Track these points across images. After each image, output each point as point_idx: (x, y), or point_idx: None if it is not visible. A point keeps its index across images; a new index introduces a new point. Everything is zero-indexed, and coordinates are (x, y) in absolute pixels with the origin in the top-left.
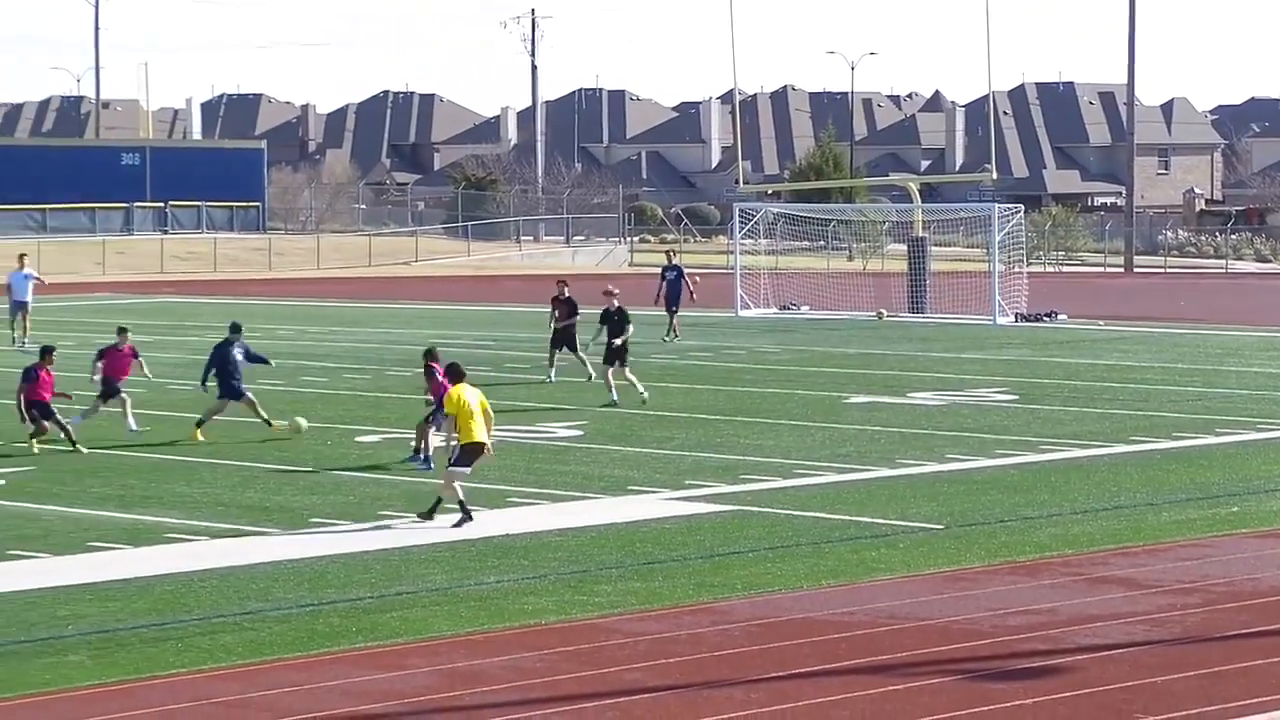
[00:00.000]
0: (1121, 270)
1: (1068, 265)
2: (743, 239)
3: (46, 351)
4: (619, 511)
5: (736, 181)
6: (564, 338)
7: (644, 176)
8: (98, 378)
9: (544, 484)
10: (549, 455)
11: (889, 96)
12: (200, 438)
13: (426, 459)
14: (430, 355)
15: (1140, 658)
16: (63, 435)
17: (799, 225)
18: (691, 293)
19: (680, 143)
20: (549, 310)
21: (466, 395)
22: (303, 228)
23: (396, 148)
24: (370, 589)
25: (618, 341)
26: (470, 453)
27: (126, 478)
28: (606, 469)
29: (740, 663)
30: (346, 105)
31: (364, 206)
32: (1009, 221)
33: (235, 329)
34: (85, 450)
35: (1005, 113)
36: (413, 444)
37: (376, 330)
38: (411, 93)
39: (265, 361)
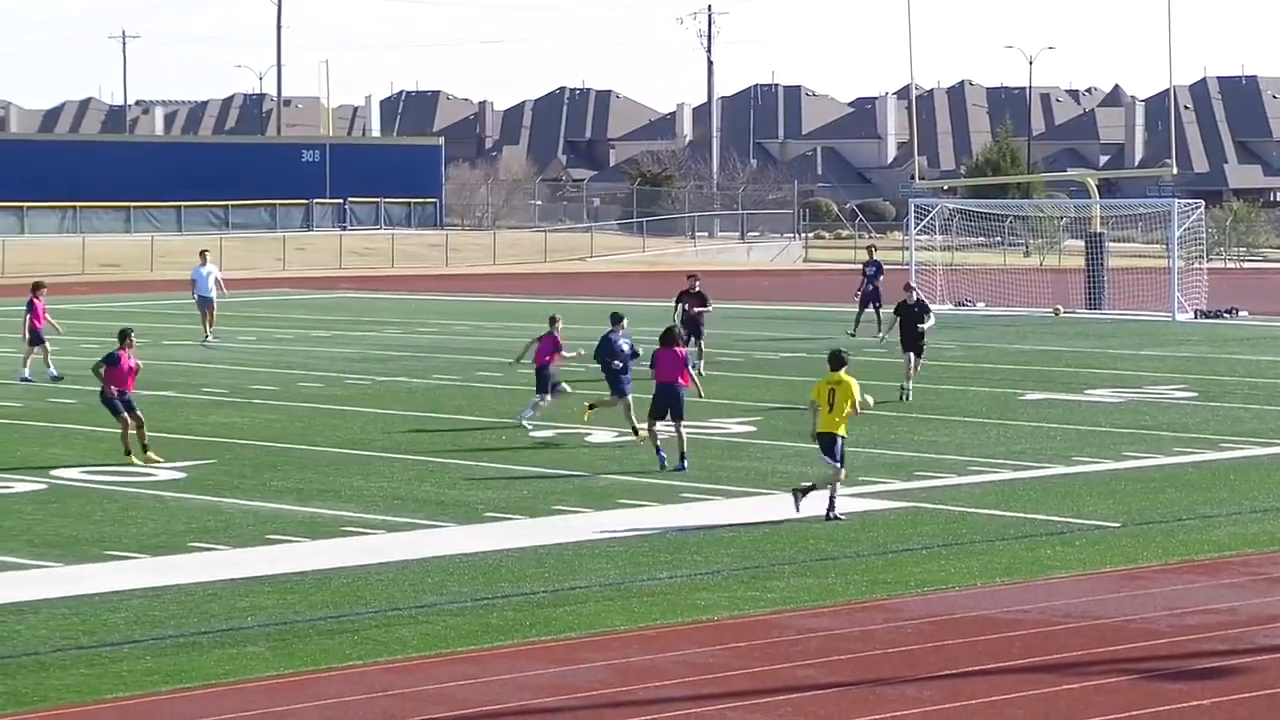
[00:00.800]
0: None
1: (1249, 261)
2: (918, 235)
3: (125, 335)
4: (791, 508)
5: (912, 177)
6: (694, 328)
7: (819, 172)
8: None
9: (717, 479)
10: (722, 451)
11: (1067, 91)
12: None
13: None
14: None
15: None
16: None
17: (975, 221)
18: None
19: (856, 138)
20: (675, 303)
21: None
22: (479, 224)
23: (572, 144)
24: (543, 583)
25: (923, 326)
26: (821, 441)
27: (305, 471)
28: (779, 464)
29: (912, 660)
30: (523, 102)
31: (540, 203)
32: (1189, 217)
33: (616, 319)
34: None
35: (1186, 107)
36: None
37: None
38: (588, 89)
39: (636, 355)
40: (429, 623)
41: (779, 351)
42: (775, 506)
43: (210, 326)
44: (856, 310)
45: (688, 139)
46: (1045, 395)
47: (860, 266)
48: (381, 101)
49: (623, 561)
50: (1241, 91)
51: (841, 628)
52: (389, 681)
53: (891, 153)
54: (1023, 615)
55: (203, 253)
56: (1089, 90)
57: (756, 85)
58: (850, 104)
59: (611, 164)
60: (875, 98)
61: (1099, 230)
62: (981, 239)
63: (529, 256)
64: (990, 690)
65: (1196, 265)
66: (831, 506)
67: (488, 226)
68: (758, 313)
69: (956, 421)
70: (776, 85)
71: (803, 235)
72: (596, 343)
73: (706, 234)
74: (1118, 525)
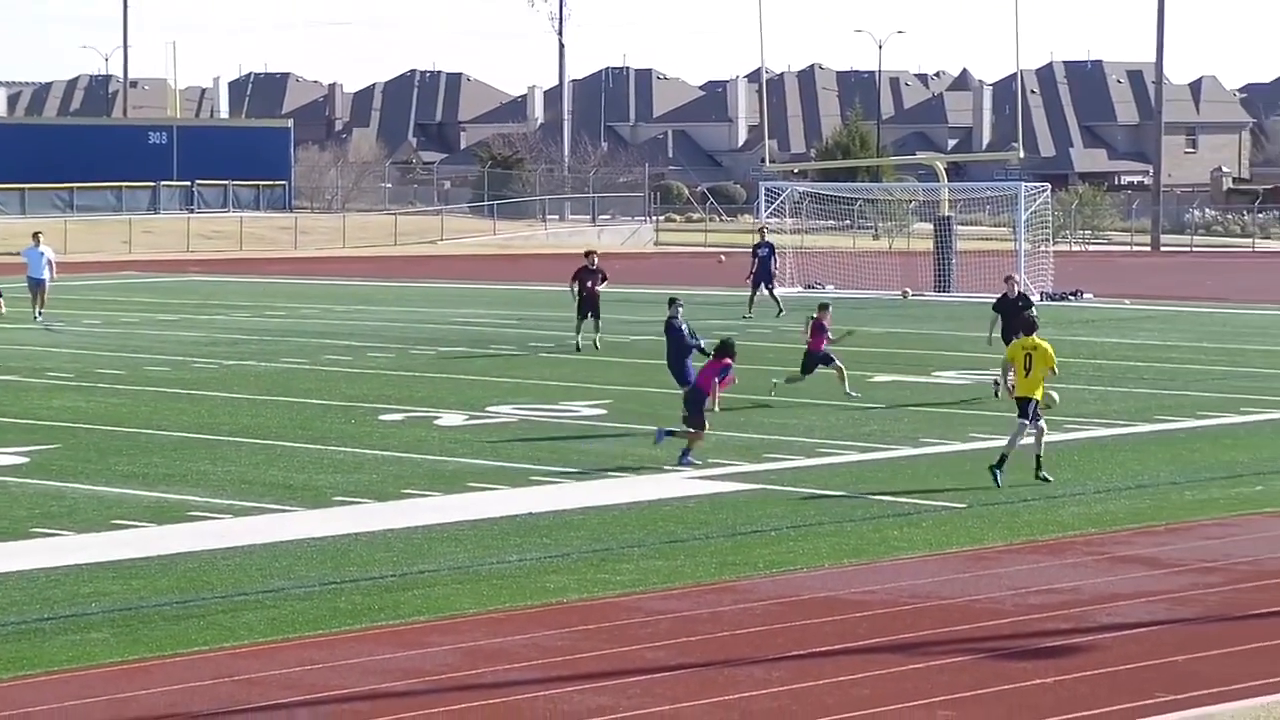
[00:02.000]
0: (1148, 249)
1: (1094, 244)
2: (769, 218)
3: None
4: (642, 490)
5: (762, 160)
6: (591, 305)
7: (670, 156)
8: None
9: (567, 462)
10: (572, 433)
11: (916, 75)
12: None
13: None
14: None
15: (1162, 637)
16: None
17: (825, 204)
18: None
19: (706, 122)
20: (572, 281)
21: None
22: (328, 206)
23: (423, 127)
24: (392, 567)
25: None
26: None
27: (151, 456)
28: (629, 447)
29: (761, 641)
30: (373, 84)
31: (390, 185)
32: (1035, 200)
33: (672, 302)
34: None
35: (1033, 91)
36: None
37: (402, 309)
38: (439, 72)
39: (699, 348)
40: (276, 607)
41: (629, 335)
42: (625, 489)
43: (40, 308)
44: (750, 292)
45: (539, 122)
46: (893, 377)
47: (751, 248)
48: (230, 83)
49: (471, 545)
50: (1087, 76)
51: (690, 609)
52: (235, 667)
53: (742, 136)
54: (870, 596)
55: (35, 234)
56: (938, 74)
57: (608, 68)
58: (701, 87)
59: (462, 147)
60: (726, 81)
61: (947, 213)
62: (831, 222)
63: (379, 239)
64: (838, 670)
65: (1043, 248)
66: (1039, 466)
67: (337, 209)
68: (609, 295)
69: (805, 404)
70: (628, 69)
71: (654, 218)
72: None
73: (557, 217)
74: (964, 506)
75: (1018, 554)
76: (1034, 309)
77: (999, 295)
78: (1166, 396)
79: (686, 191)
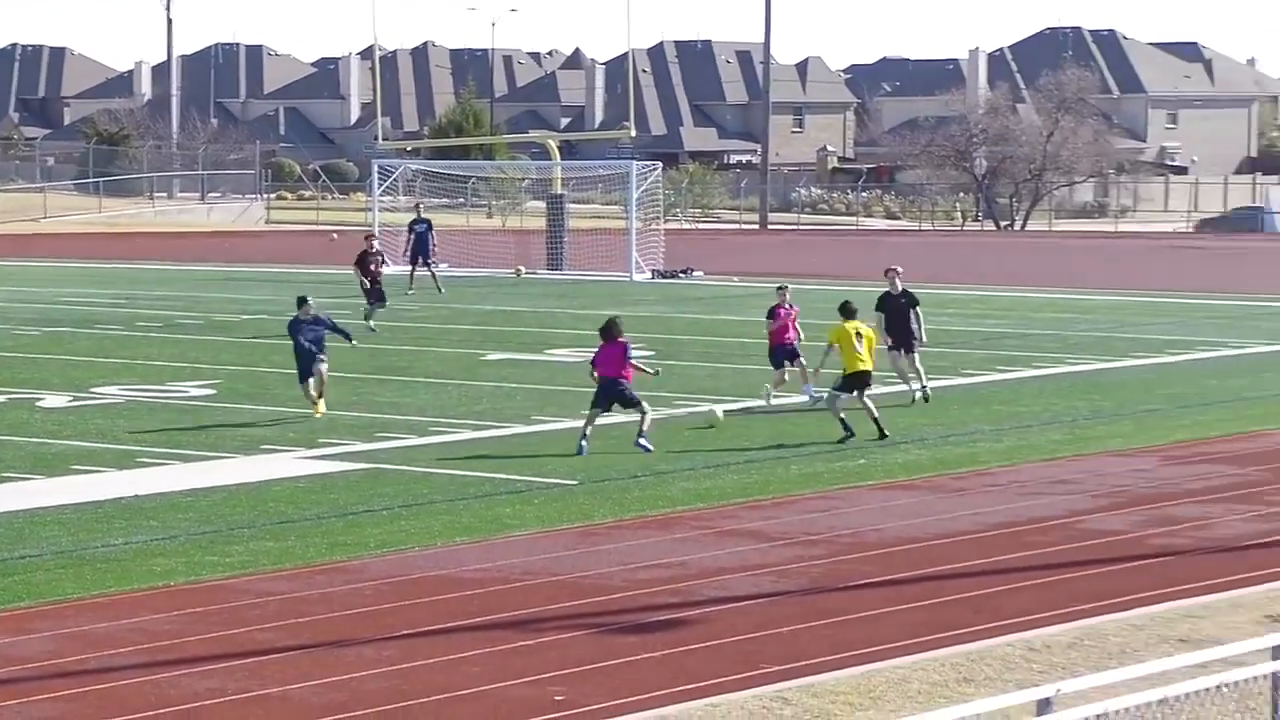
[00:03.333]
0: (756, 227)
1: (704, 222)
2: (382, 196)
3: None
4: (252, 471)
5: (376, 138)
6: (375, 293)
7: (282, 133)
8: None
9: (175, 444)
10: (180, 414)
11: (529, 54)
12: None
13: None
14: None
15: (767, 609)
16: None
17: (439, 182)
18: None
19: (319, 99)
20: (354, 270)
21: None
22: None
23: (25, 102)
24: None
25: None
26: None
27: None
28: (239, 428)
29: (372, 621)
30: None
31: None
32: (646, 179)
33: (302, 302)
34: None
35: (644, 71)
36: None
37: (3, 288)
38: (41, 45)
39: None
40: None
41: (240, 314)
42: (234, 470)
43: None
44: (409, 269)
45: (146, 98)
46: (507, 355)
47: (408, 225)
48: None
49: (75, 528)
50: (697, 56)
51: (301, 590)
52: None
53: (355, 113)
54: (482, 573)
55: None
56: (550, 53)
57: (218, 44)
58: (313, 64)
59: (66, 123)
60: (338, 58)
61: (560, 191)
62: (445, 200)
63: None
64: (449, 648)
65: (654, 226)
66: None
67: None
68: (218, 274)
69: (419, 383)
70: (238, 44)
71: (265, 196)
72: None
73: (166, 194)
74: (575, 483)
75: (628, 530)
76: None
77: (883, 292)
78: (772, 373)
79: (298, 169)
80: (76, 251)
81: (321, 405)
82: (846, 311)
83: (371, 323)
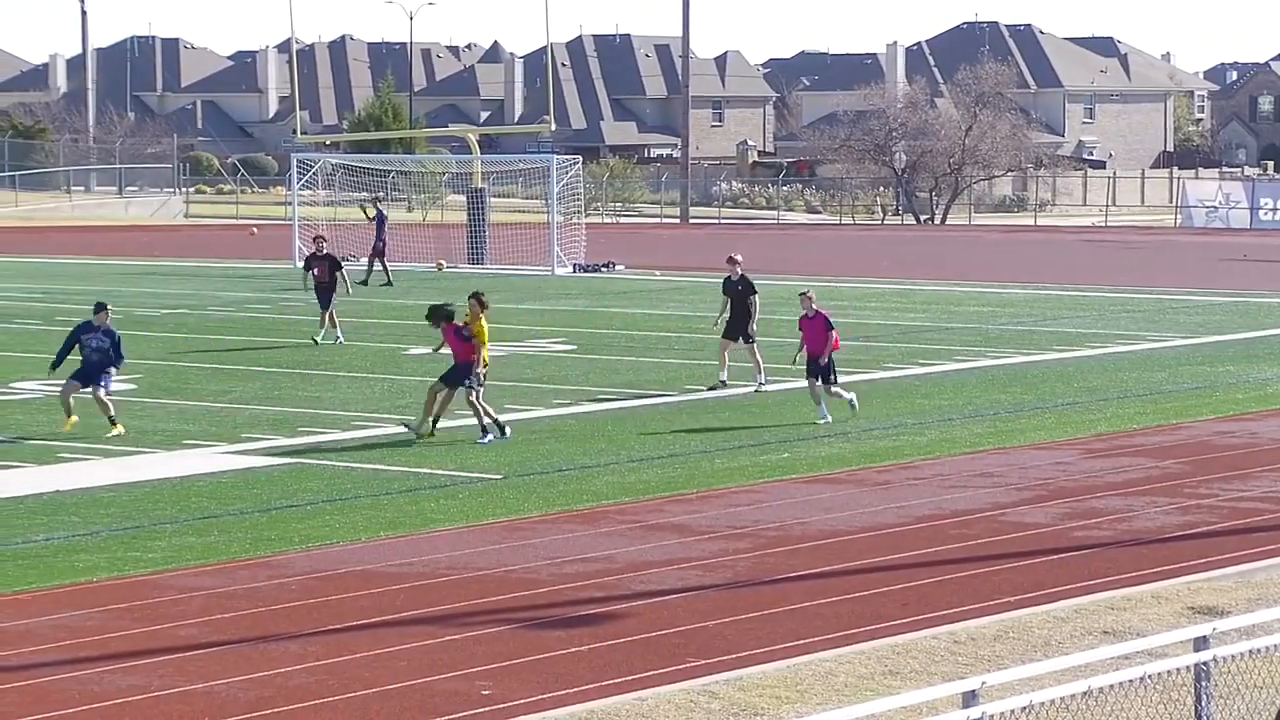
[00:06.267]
0: (677, 221)
1: (625, 216)
2: (301, 190)
3: None
4: (174, 466)
5: (294, 132)
6: (325, 293)
7: (200, 126)
8: None
9: (96, 439)
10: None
11: (448, 47)
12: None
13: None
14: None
15: (693, 603)
16: None
17: (358, 176)
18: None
19: (237, 92)
20: (304, 269)
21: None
22: None
23: None
24: None
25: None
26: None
27: None
28: (161, 423)
29: (297, 616)
30: None
31: None
32: (567, 173)
33: (100, 308)
34: None
35: (563, 64)
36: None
37: None
38: None
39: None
40: None
41: (159, 308)
42: (156, 465)
43: None
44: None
45: (62, 91)
46: (428, 350)
47: (372, 218)
48: None
49: None
50: (616, 50)
51: (224, 586)
52: None
53: (273, 107)
54: (406, 568)
55: None
56: (469, 46)
57: (133, 37)
58: (230, 57)
59: None
60: (256, 51)
61: (480, 185)
62: (365, 194)
63: None
64: (374, 644)
65: (575, 220)
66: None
67: None
68: (138, 269)
69: (341, 377)
70: (154, 37)
71: (183, 190)
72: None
73: (83, 188)
74: (500, 477)
75: (553, 524)
76: (753, 297)
77: (724, 277)
78: (696, 366)
79: (217, 163)
80: None
81: (119, 427)
82: None
83: (318, 336)
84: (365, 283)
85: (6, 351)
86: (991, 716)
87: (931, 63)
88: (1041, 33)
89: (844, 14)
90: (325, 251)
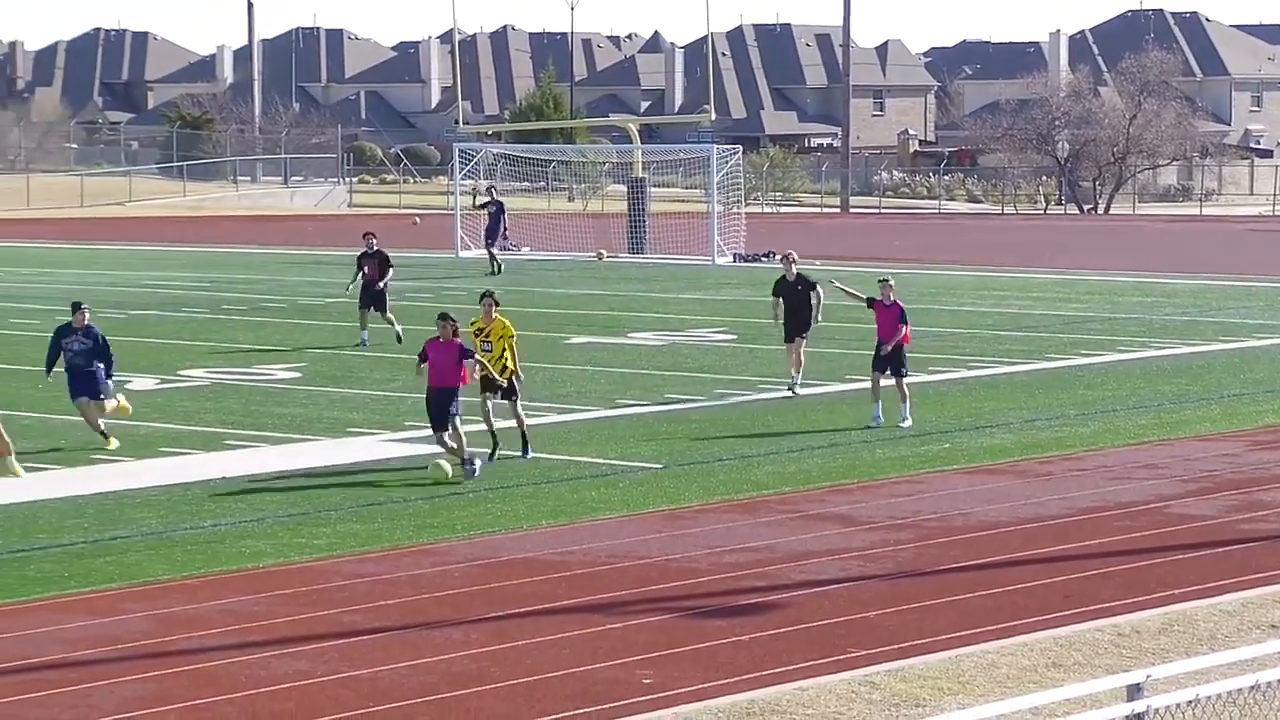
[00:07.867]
0: (838, 210)
1: (785, 206)
2: (463, 180)
3: None
4: (338, 453)
5: (456, 122)
6: (373, 298)
7: (363, 117)
8: None
9: (262, 426)
10: (267, 397)
11: (609, 37)
12: None
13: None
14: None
15: (854, 592)
16: None
17: (519, 166)
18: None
19: (399, 82)
20: (355, 268)
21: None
22: (11, 167)
23: (109, 86)
24: (83, 534)
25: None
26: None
27: None
28: (326, 411)
29: (459, 603)
30: (56, 42)
31: (76, 146)
32: (727, 163)
33: (77, 307)
34: None
35: (724, 54)
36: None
37: (89, 272)
38: (124, 30)
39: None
40: None
41: (323, 296)
42: (321, 453)
43: None
44: (486, 252)
45: (229, 82)
46: (589, 339)
47: (480, 206)
48: None
49: (165, 510)
50: (776, 39)
51: (389, 573)
52: None
53: (436, 97)
54: (568, 556)
55: None
56: (630, 36)
57: (298, 28)
58: (394, 48)
59: (150, 107)
60: (419, 42)
61: (641, 175)
62: (526, 184)
63: (65, 201)
64: (537, 631)
65: (735, 210)
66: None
67: (21, 170)
68: (305, 258)
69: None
70: (319, 28)
71: (347, 180)
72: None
73: (249, 178)
74: (660, 466)
75: (713, 513)
76: (815, 291)
77: (778, 278)
78: (857, 356)
79: (380, 153)
80: (161, 235)
81: (113, 441)
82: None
83: (365, 334)
84: (494, 272)
85: (175, 339)
86: (1156, 710)
87: (1095, 51)
88: (1208, 20)
89: (1006, 3)
90: (376, 249)
